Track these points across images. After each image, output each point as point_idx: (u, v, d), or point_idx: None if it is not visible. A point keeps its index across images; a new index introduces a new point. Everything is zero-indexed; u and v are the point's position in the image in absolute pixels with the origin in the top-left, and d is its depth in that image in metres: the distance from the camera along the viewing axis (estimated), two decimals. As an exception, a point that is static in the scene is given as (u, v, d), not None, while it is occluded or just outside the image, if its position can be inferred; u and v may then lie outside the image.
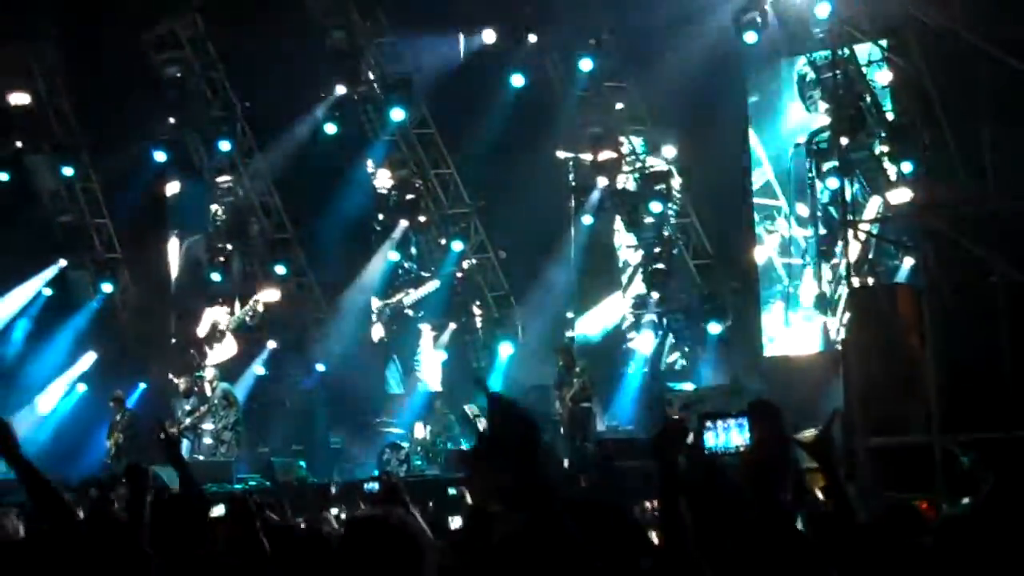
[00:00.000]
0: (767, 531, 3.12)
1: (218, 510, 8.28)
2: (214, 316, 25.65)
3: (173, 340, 25.90)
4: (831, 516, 5.85)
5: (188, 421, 21.45)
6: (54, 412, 24.82)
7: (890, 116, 20.21)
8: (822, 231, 20.89)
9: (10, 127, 26.22)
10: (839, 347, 19.26)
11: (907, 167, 19.53)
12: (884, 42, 20.31)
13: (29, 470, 5.24)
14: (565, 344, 20.40)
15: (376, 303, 25.02)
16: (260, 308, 23.52)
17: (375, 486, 12.48)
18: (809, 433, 6.59)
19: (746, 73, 22.59)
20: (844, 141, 19.92)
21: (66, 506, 5.33)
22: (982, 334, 15.31)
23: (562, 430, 18.96)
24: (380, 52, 24.75)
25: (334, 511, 11.05)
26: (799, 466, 6.64)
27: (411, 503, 8.03)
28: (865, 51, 20.54)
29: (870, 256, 19.41)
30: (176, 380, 23.70)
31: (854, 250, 18.56)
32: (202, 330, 25.60)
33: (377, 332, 25.12)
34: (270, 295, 24.36)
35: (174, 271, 26.56)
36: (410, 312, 25.08)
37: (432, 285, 24.47)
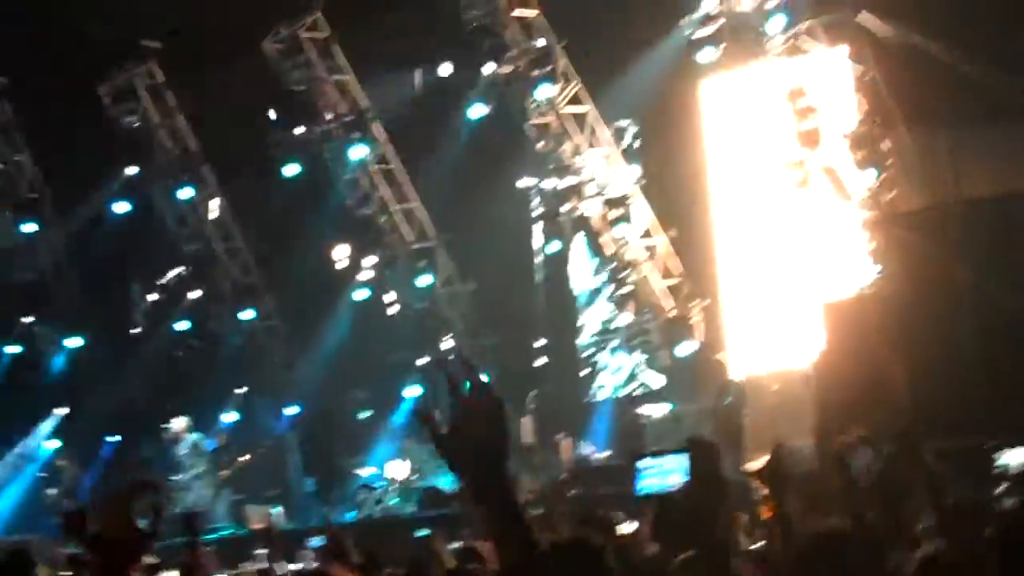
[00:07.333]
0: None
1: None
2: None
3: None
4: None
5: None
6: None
7: (851, 125, 20.02)
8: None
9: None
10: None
11: (870, 175, 19.37)
12: (842, 50, 20.20)
13: None
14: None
15: None
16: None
17: (319, 541, 12.09)
18: (758, 462, 6.57)
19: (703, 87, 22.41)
20: (806, 152, 19.81)
21: None
22: (948, 339, 15.26)
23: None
24: (337, 90, 24.58)
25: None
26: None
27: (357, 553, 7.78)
28: (821, 60, 20.38)
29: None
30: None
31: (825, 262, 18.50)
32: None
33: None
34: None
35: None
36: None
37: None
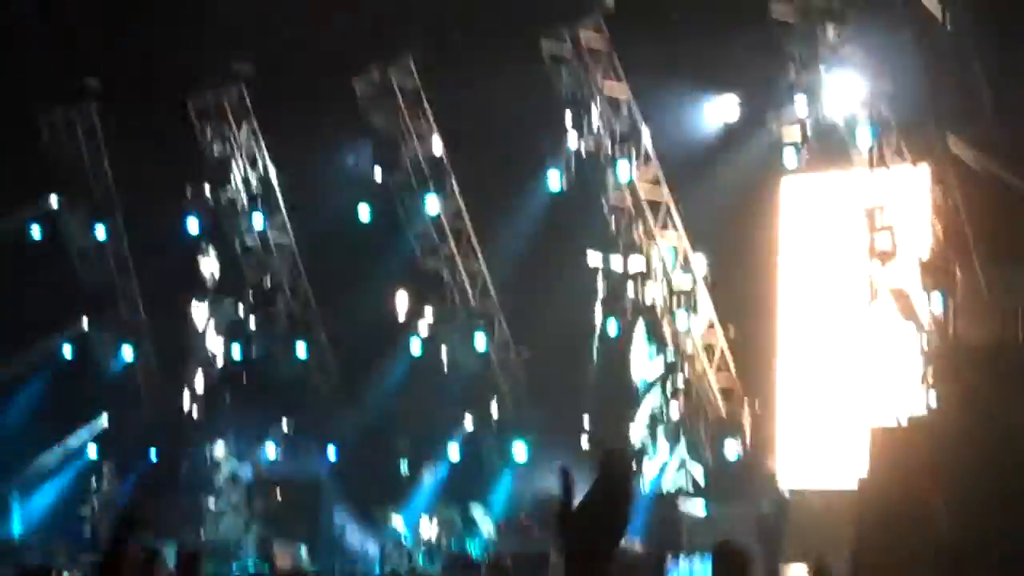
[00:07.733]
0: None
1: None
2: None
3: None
4: None
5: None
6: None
7: (925, 247, 19.92)
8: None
9: (49, 183, 26.41)
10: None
11: (937, 301, 19.23)
12: (924, 171, 20.13)
13: None
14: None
15: None
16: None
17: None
18: (796, 571, 6.59)
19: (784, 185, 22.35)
20: (877, 269, 19.76)
21: None
22: (998, 477, 15.13)
23: None
24: (422, 142, 24.75)
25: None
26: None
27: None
28: (903, 177, 20.33)
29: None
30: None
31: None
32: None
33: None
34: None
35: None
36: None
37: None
